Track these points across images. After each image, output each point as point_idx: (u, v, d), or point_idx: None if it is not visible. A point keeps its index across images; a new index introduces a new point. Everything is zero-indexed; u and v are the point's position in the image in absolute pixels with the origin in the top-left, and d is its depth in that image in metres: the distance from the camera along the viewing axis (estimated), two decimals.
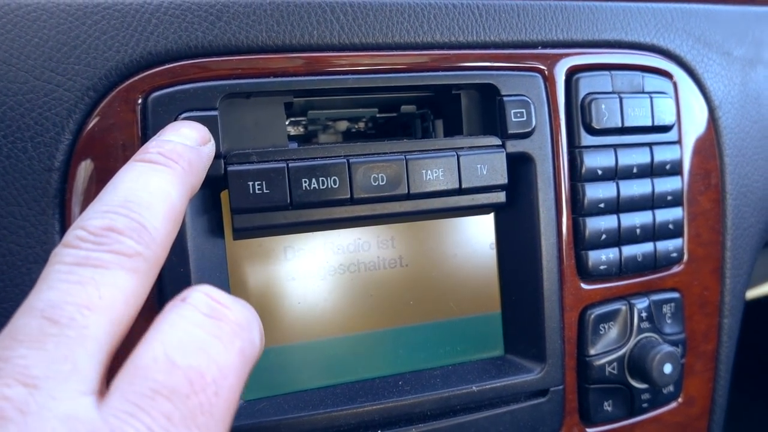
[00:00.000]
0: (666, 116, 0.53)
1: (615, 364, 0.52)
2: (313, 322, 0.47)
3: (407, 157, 0.44)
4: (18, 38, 0.40)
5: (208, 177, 0.38)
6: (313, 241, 0.47)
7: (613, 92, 0.51)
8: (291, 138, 0.51)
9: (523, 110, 0.47)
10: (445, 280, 0.50)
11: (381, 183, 0.44)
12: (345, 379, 0.48)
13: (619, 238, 0.52)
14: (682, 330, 0.55)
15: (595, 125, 0.50)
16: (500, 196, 0.48)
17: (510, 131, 0.47)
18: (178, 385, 0.26)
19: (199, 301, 0.29)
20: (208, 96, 0.41)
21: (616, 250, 0.52)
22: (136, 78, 0.41)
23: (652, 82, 0.54)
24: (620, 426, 0.54)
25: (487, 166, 0.46)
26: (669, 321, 0.54)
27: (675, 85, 0.55)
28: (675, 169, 0.54)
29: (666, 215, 0.54)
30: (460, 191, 0.46)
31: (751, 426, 1.07)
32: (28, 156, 0.40)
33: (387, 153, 0.44)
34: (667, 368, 0.51)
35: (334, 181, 0.43)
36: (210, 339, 0.28)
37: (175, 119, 0.40)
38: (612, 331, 0.52)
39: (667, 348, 0.51)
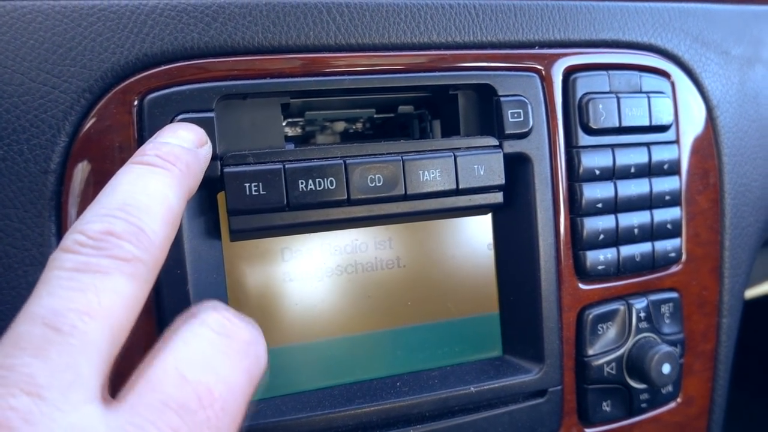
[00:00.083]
0: (664, 116, 0.53)
1: (613, 364, 0.52)
2: (310, 323, 0.47)
3: (404, 157, 0.44)
4: (14, 40, 0.40)
5: (204, 178, 0.38)
6: (310, 242, 0.47)
7: (610, 92, 0.51)
8: (288, 139, 0.51)
9: (520, 110, 0.47)
10: (443, 280, 0.50)
11: (378, 184, 0.44)
12: (343, 381, 0.48)
13: (617, 238, 0.52)
14: (680, 330, 0.55)
15: (593, 125, 0.50)
16: (498, 197, 0.48)
17: (507, 131, 0.47)
18: (188, 399, 0.26)
19: (211, 318, 0.30)
20: (205, 97, 0.41)
21: (614, 250, 0.52)
22: (132, 80, 0.41)
23: (650, 81, 0.53)
24: (619, 426, 0.54)
25: (485, 166, 0.46)
26: (667, 321, 0.54)
27: (673, 84, 0.55)
28: (673, 169, 0.54)
29: (664, 215, 0.54)
30: (457, 192, 0.46)
31: (750, 425, 1.07)
32: (24, 158, 0.40)
33: (384, 154, 0.44)
34: (666, 368, 0.51)
35: (331, 182, 0.43)
36: (219, 356, 0.29)
37: (172, 121, 0.40)
38: (610, 332, 0.52)
39: (665, 348, 0.51)
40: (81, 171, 0.40)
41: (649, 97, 0.52)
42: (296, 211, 0.43)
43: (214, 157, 0.40)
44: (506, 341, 0.51)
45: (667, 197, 0.54)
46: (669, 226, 0.54)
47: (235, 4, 0.43)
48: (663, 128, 0.54)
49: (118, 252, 0.28)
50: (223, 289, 0.44)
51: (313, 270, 0.47)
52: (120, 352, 0.28)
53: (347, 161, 0.43)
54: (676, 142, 0.55)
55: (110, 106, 0.41)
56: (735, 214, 0.58)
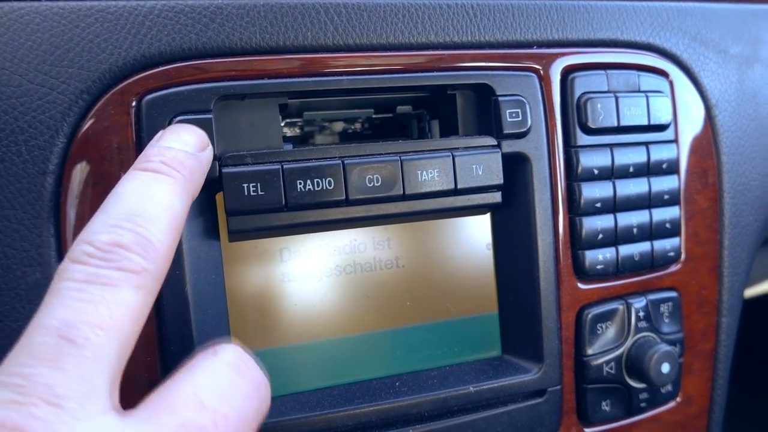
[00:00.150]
0: (662, 115, 0.53)
1: (613, 363, 0.52)
2: (309, 323, 0.47)
3: (402, 157, 0.44)
4: (11, 41, 0.40)
5: None
6: (309, 242, 0.47)
7: (608, 91, 0.51)
8: (287, 139, 0.51)
9: (519, 110, 0.47)
10: (441, 280, 0.50)
11: (376, 184, 0.44)
12: (342, 381, 0.48)
13: (615, 237, 0.52)
14: (680, 329, 0.55)
15: (591, 125, 0.50)
16: (496, 197, 0.48)
17: (505, 131, 0.47)
18: (205, 424, 0.28)
19: (229, 356, 0.32)
20: (203, 98, 0.41)
21: (612, 249, 0.52)
22: (129, 80, 0.41)
23: (648, 81, 0.53)
24: (618, 426, 0.54)
25: (483, 166, 0.46)
26: (667, 320, 0.54)
27: (671, 83, 0.55)
28: (672, 168, 0.54)
29: (663, 214, 0.54)
30: (455, 192, 0.46)
31: (751, 424, 1.07)
32: (23, 159, 0.40)
33: (382, 154, 0.44)
34: (665, 367, 0.51)
35: (329, 182, 0.43)
36: (235, 391, 0.30)
37: (170, 122, 0.40)
38: (609, 331, 0.52)
39: (664, 347, 0.51)
40: (79, 172, 0.41)
41: (647, 97, 0.52)
42: (295, 212, 0.43)
43: (213, 158, 0.40)
44: (505, 341, 0.51)
45: (666, 196, 0.54)
46: (668, 225, 0.54)
47: (233, 5, 0.43)
48: (661, 127, 0.54)
49: (126, 264, 0.29)
50: (221, 290, 0.44)
51: (312, 270, 0.47)
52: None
53: (345, 161, 0.43)
54: (675, 141, 0.55)
55: (108, 107, 0.41)
56: (734, 213, 0.58)
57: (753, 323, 0.83)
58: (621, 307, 0.52)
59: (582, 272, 0.51)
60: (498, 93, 0.47)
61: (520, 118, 0.47)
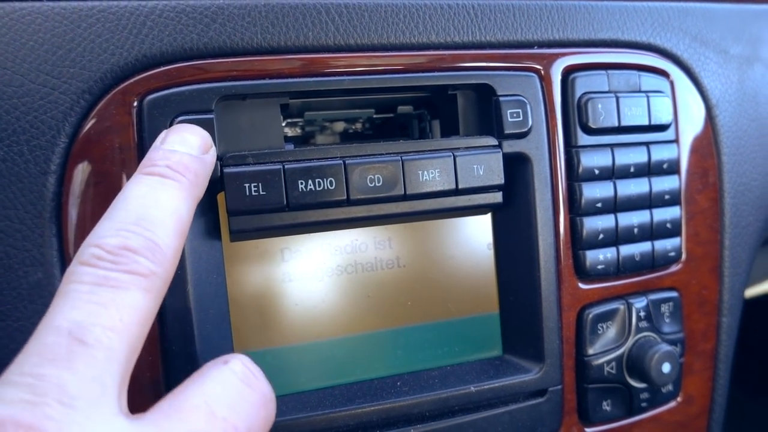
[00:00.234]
0: (663, 115, 0.53)
1: (613, 363, 0.52)
2: (310, 323, 0.47)
3: (403, 157, 0.44)
4: (13, 42, 0.40)
5: None
6: (310, 242, 0.47)
7: (609, 91, 0.51)
8: (288, 139, 0.51)
9: (520, 110, 0.47)
10: (442, 280, 0.50)
11: (377, 184, 0.44)
12: (343, 380, 0.48)
13: (616, 237, 0.52)
14: (680, 329, 0.55)
15: (592, 125, 0.50)
16: (497, 197, 0.48)
17: (506, 131, 0.47)
18: None
19: (238, 368, 0.32)
20: (204, 98, 0.41)
21: (613, 249, 0.52)
22: (131, 81, 0.41)
23: (649, 81, 0.54)
24: (619, 425, 0.54)
25: (484, 166, 0.46)
26: (667, 320, 0.54)
27: (672, 83, 0.55)
28: (672, 168, 0.54)
29: (664, 214, 0.54)
30: (456, 192, 0.46)
31: (751, 424, 1.07)
32: (24, 159, 0.40)
33: (383, 154, 0.44)
34: (666, 367, 0.51)
35: (331, 182, 0.43)
36: (244, 402, 0.31)
37: (171, 122, 0.40)
38: (610, 331, 0.52)
39: (665, 347, 0.51)
40: (81, 172, 0.41)
41: (648, 97, 0.52)
42: (296, 212, 0.43)
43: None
44: (506, 341, 0.51)
45: (667, 196, 0.54)
46: (668, 225, 0.54)
47: (234, 5, 0.43)
48: (662, 127, 0.54)
49: (135, 267, 0.30)
50: (223, 290, 0.44)
51: (313, 270, 0.47)
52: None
53: (347, 161, 0.43)
54: (676, 141, 0.55)
55: (110, 107, 0.41)
56: (735, 213, 0.58)
57: (753, 323, 0.83)
58: (622, 307, 0.52)
59: (583, 272, 0.51)
60: (499, 93, 0.47)
61: (521, 118, 0.47)
